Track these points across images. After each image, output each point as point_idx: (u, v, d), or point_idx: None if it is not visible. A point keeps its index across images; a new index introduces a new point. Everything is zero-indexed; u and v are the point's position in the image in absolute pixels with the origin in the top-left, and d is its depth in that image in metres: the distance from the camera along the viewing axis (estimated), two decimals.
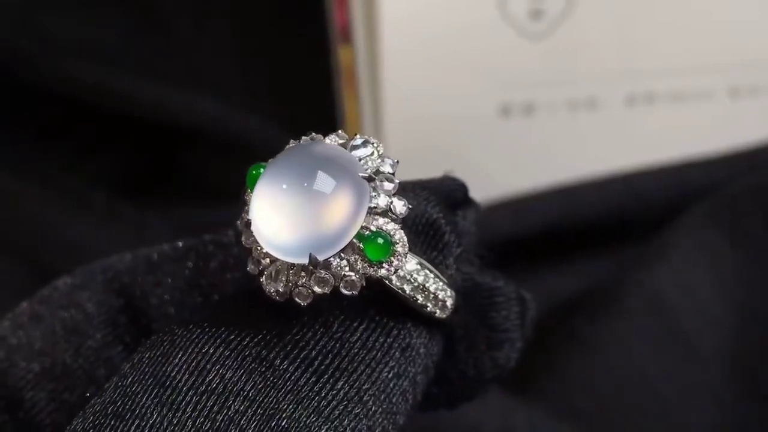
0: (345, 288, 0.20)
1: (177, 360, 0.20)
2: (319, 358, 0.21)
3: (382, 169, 0.21)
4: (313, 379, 0.20)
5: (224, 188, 0.48)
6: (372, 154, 0.21)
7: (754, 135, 0.47)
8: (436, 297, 0.22)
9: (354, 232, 0.20)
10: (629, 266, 0.41)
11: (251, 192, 0.21)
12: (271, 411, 0.20)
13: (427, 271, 0.22)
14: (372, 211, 0.21)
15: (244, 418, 0.19)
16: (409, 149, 0.46)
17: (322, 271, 0.20)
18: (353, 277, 0.20)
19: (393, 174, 0.21)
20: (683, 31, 0.48)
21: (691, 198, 0.43)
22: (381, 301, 0.22)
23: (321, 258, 0.20)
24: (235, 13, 0.50)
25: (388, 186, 0.21)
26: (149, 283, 0.24)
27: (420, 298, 0.22)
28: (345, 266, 0.20)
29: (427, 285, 0.22)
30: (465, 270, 0.24)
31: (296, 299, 0.21)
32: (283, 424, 0.19)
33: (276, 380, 0.20)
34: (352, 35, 0.46)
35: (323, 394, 0.20)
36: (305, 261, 0.20)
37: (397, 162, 0.21)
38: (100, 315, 0.24)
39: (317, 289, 0.20)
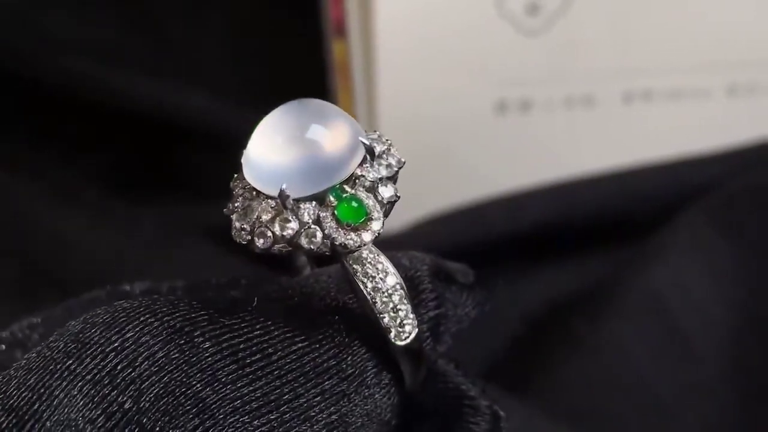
0: (306, 241, 0.19)
1: (99, 320, 0.20)
2: (247, 351, 0.20)
3: (388, 157, 0.21)
4: (233, 366, 0.20)
5: (218, 185, 0.48)
6: (386, 143, 0.21)
7: (752, 133, 0.47)
8: (399, 319, 0.20)
9: (337, 177, 0.20)
10: (626, 265, 0.41)
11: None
12: (177, 383, 0.19)
13: (403, 293, 0.21)
14: (358, 181, 0.20)
15: (147, 383, 0.19)
16: (403, 146, 0.46)
17: (289, 212, 0.19)
18: (317, 232, 0.20)
19: (396, 171, 0.21)
20: (681, 29, 0.47)
21: (688, 196, 0.43)
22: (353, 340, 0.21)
23: (294, 194, 0.19)
24: (229, 9, 0.49)
25: (384, 171, 0.20)
26: None
27: (379, 304, 0.20)
28: (313, 215, 0.20)
29: (394, 301, 0.20)
30: (441, 361, 0.22)
31: (256, 240, 0.20)
32: (181, 399, 0.19)
33: (191, 357, 0.19)
34: (346, 30, 0.46)
35: (239, 385, 0.20)
36: (278, 192, 0.19)
37: (403, 162, 0.21)
38: None
39: (277, 231, 0.19)
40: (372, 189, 0.20)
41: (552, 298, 0.43)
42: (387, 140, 0.21)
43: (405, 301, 0.21)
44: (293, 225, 0.20)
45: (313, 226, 0.20)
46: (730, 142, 0.47)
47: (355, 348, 0.21)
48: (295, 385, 0.20)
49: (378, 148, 0.21)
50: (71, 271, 0.39)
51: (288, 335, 0.20)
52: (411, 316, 0.21)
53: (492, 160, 0.48)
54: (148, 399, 0.19)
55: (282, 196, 0.19)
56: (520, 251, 0.43)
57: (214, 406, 0.19)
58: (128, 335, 0.19)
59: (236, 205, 0.20)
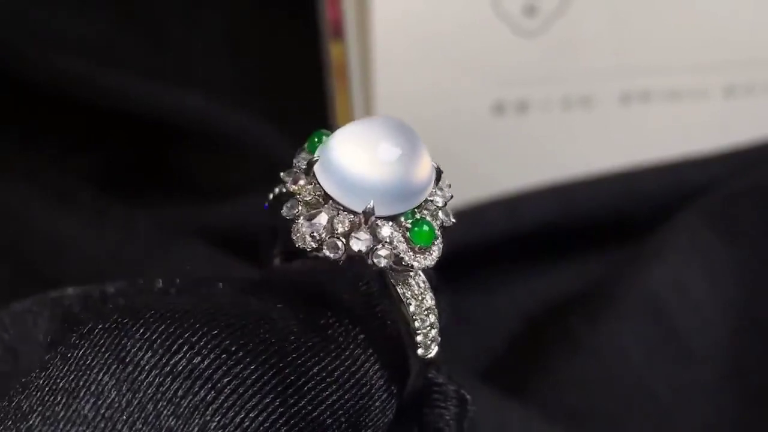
0: (376, 258, 0.20)
1: (138, 335, 0.19)
2: (288, 369, 0.20)
3: (442, 184, 0.21)
4: (280, 389, 0.19)
5: (214, 185, 0.48)
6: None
7: (750, 134, 0.47)
8: (431, 336, 0.21)
9: (417, 202, 0.20)
10: (625, 266, 0.41)
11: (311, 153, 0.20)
12: (237, 408, 0.19)
13: (436, 312, 0.21)
14: (426, 205, 0.21)
15: (210, 409, 0.18)
16: None
17: (367, 229, 0.20)
18: (386, 251, 0.20)
19: (450, 197, 0.21)
20: (679, 29, 0.47)
21: (686, 197, 0.43)
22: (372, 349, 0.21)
23: (376, 212, 0.20)
24: (227, 9, 0.49)
25: (447, 194, 0.21)
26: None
27: (418, 323, 0.21)
28: (388, 234, 0.20)
29: (431, 320, 0.21)
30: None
31: (325, 250, 0.20)
32: (246, 425, 0.18)
33: (245, 379, 0.19)
34: (344, 31, 0.46)
35: (278, 402, 0.19)
36: (365, 207, 0.20)
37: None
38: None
39: (352, 245, 0.20)
40: (434, 213, 0.21)
41: (550, 299, 0.43)
42: (436, 164, 0.22)
43: (437, 321, 0.21)
44: (368, 242, 0.20)
45: (386, 246, 0.20)
46: (728, 143, 0.46)
47: (371, 362, 0.21)
48: (317, 397, 0.20)
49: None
50: (65, 271, 0.39)
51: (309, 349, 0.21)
52: (438, 334, 0.21)
53: (489, 161, 0.48)
54: None
55: (367, 213, 0.20)
56: (519, 252, 0.43)
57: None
58: (177, 359, 0.19)
59: (299, 209, 0.20)
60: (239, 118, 0.46)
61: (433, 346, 0.21)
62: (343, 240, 0.20)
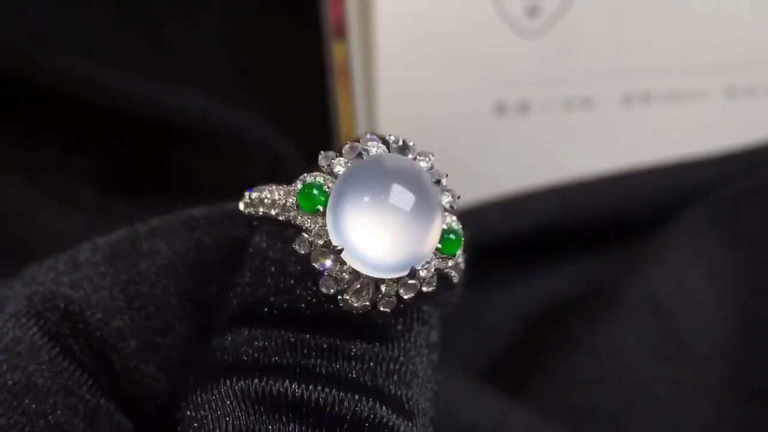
0: (427, 286, 0.21)
1: None
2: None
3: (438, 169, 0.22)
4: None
5: (214, 185, 0.48)
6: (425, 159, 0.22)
7: (751, 135, 0.47)
8: (460, 266, 0.23)
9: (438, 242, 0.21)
10: (626, 267, 0.41)
11: (313, 209, 0.21)
12: None
13: None
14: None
15: None
16: None
17: (411, 279, 0.21)
18: (433, 274, 0.21)
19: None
20: (680, 31, 0.47)
21: (687, 198, 0.43)
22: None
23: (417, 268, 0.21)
24: (226, 8, 0.49)
25: (445, 183, 0.22)
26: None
27: (453, 273, 0.22)
28: (430, 269, 0.21)
29: (459, 259, 0.22)
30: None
31: (382, 308, 0.21)
32: None
33: None
34: (346, 31, 0.46)
35: None
36: (403, 274, 0.21)
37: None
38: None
39: (405, 296, 0.21)
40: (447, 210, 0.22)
41: (551, 300, 0.43)
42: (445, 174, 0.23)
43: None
44: (417, 285, 0.21)
45: (431, 274, 0.22)
46: (729, 144, 0.46)
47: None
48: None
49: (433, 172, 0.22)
50: None
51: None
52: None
53: (491, 162, 0.48)
54: None
55: (412, 273, 0.21)
56: (520, 253, 0.43)
57: None
58: None
59: (344, 286, 0.21)
60: (240, 118, 0.46)
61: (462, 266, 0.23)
62: (395, 296, 0.22)
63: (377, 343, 0.22)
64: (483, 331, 0.42)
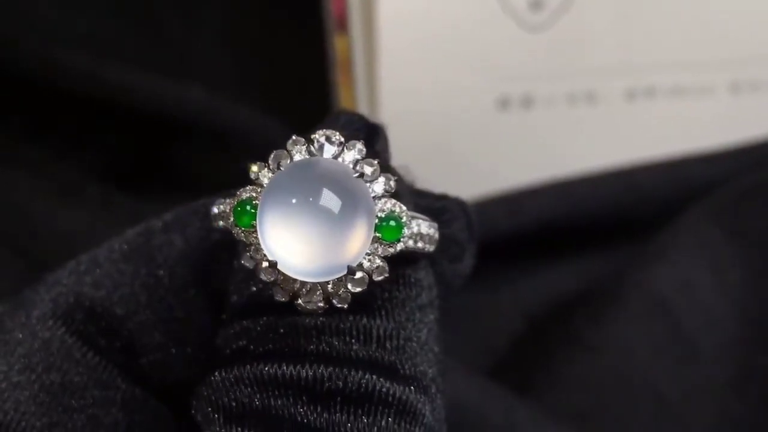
0: (377, 275, 0.21)
1: None
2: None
3: (364, 162, 0.22)
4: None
5: (216, 180, 0.48)
6: (352, 147, 0.22)
7: (755, 131, 0.47)
8: (429, 236, 0.23)
9: (370, 242, 0.21)
10: (630, 264, 0.41)
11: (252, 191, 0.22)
12: None
13: (417, 218, 0.23)
14: (375, 199, 0.22)
15: None
16: (405, 141, 0.46)
17: (354, 275, 0.21)
18: (380, 264, 0.21)
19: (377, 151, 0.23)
20: (684, 26, 0.47)
21: (692, 194, 0.42)
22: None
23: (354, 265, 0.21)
24: (229, 4, 0.49)
25: (373, 170, 0.22)
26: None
27: (419, 245, 0.22)
28: (374, 260, 0.21)
29: (421, 230, 0.22)
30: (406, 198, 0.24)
31: (338, 305, 0.21)
32: None
33: None
34: (348, 24, 0.45)
35: None
36: (340, 275, 0.21)
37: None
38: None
39: (355, 290, 0.21)
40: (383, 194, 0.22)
41: (554, 297, 0.43)
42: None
43: (422, 223, 0.23)
44: (366, 278, 0.22)
45: (378, 264, 0.22)
46: (733, 139, 0.46)
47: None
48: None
49: (359, 165, 0.22)
50: None
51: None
52: (430, 225, 0.23)
53: (494, 156, 0.48)
54: None
55: (351, 271, 0.21)
56: (523, 249, 0.43)
57: None
58: None
59: (295, 293, 0.22)
60: (242, 112, 0.46)
61: (435, 237, 0.23)
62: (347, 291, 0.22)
63: (364, 315, 0.22)
64: (485, 328, 0.42)
